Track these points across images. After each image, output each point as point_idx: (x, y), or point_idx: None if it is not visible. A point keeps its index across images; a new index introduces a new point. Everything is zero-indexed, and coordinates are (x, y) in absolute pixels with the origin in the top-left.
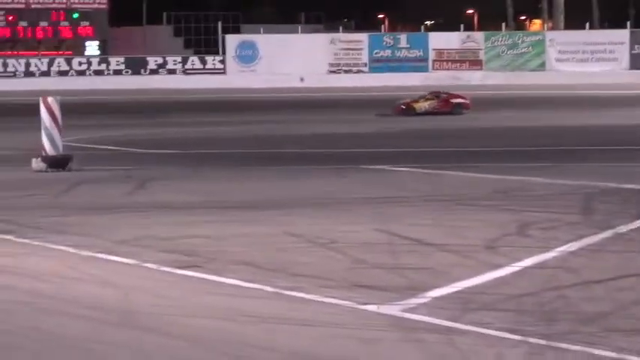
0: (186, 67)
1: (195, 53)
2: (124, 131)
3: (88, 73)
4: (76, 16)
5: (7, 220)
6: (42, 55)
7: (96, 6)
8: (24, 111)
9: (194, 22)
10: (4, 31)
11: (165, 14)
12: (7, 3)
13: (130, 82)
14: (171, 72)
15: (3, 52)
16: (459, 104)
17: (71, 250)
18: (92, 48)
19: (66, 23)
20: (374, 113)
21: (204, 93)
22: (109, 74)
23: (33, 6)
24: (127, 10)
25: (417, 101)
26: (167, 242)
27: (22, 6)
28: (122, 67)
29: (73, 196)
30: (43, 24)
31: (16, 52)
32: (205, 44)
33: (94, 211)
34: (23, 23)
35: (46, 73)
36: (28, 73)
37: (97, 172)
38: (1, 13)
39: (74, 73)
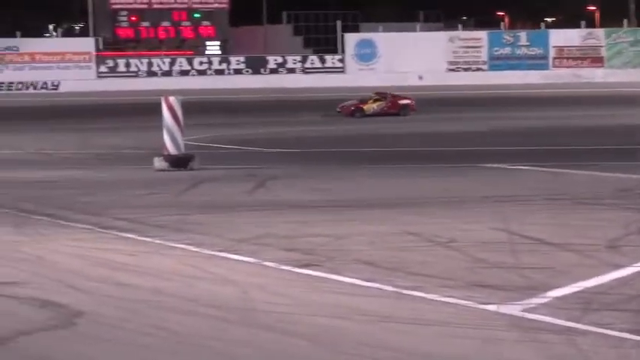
0: (306, 65)
1: (315, 52)
2: (244, 130)
3: (209, 72)
4: (197, 15)
5: (129, 218)
6: (164, 54)
7: (217, 6)
8: (146, 110)
9: (313, 20)
10: (127, 31)
11: (285, 13)
12: (129, 4)
13: (250, 81)
14: (291, 71)
15: (126, 52)
16: (406, 105)
17: (192, 248)
18: (213, 47)
19: (187, 23)
20: (487, 112)
21: (323, 92)
22: (229, 74)
23: (155, 6)
24: (247, 10)
25: (365, 102)
26: (287, 241)
27: (145, 6)
28: (242, 66)
29: (194, 194)
30: (165, 24)
31: (138, 52)
32: (325, 43)
33: (214, 209)
34: (145, 23)
35: (167, 73)
36: (151, 73)
37: (217, 170)
38: (124, 13)
39: (195, 73)
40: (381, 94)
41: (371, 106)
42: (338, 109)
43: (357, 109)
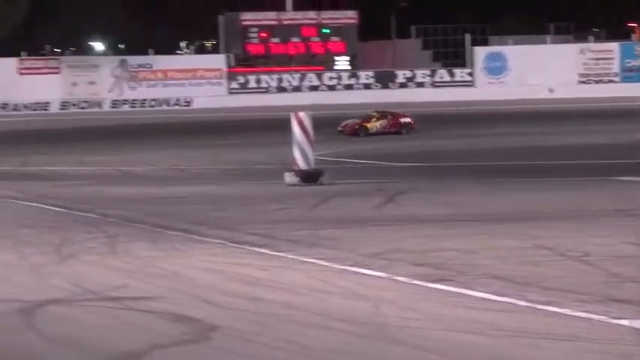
0: (435, 79)
1: (444, 66)
2: (373, 144)
3: (338, 87)
4: (326, 31)
5: (261, 233)
6: (294, 70)
7: (346, 21)
8: (276, 126)
9: (442, 34)
10: (257, 47)
11: (413, 27)
12: (260, 20)
13: (379, 96)
14: (420, 85)
15: (257, 68)
16: (407, 124)
17: (323, 263)
18: (342, 63)
19: (317, 39)
20: (622, 124)
21: (452, 105)
22: (358, 88)
23: (285, 22)
24: (375, 25)
25: (368, 121)
26: (417, 255)
27: (275, 23)
28: (371, 80)
29: (324, 209)
30: (295, 40)
31: (268, 68)
32: (453, 57)
33: (344, 224)
34: (275, 40)
35: (297, 88)
36: (281, 89)
37: (347, 185)
38: (255, 30)
39: (325, 88)
40: (381, 113)
41: (374, 125)
42: (340, 128)
43: (361, 127)
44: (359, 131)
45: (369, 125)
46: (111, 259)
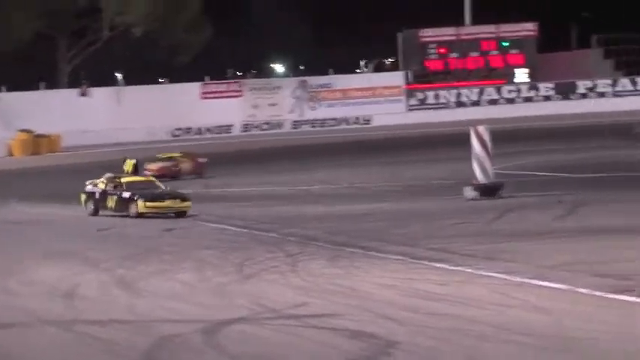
0: (616, 89)
1: (626, 75)
2: (552, 157)
3: (517, 100)
4: (505, 44)
5: (440, 248)
6: (472, 84)
7: (525, 33)
8: (455, 141)
9: (624, 43)
10: (436, 63)
11: (595, 37)
12: (438, 36)
13: (560, 107)
14: (601, 95)
15: (436, 84)
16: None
17: (502, 276)
18: (521, 75)
19: (496, 52)
20: None
21: (636, 115)
22: (538, 100)
23: (463, 37)
24: (555, 36)
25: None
26: (599, 266)
27: (453, 38)
28: (551, 92)
29: (503, 222)
30: (474, 54)
31: (447, 84)
32: (637, 65)
33: (524, 237)
34: (454, 55)
35: (476, 103)
36: (459, 104)
37: (527, 198)
38: (433, 46)
39: (504, 102)
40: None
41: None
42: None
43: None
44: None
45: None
46: (291, 278)
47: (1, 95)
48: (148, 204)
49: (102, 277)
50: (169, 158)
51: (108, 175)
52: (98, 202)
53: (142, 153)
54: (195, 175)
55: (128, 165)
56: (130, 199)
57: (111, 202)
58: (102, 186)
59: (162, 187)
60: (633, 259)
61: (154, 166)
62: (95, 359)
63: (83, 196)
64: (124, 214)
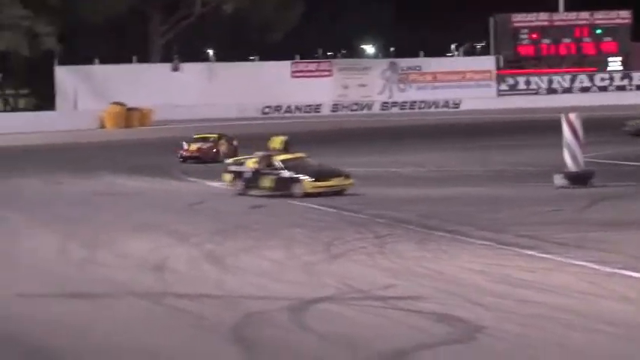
0: None
1: None
2: None
3: (610, 88)
4: (599, 32)
5: (530, 235)
6: (564, 71)
7: (619, 21)
8: (546, 128)
9: None
10: (527, 49)
11: None
12: (531, 21)
13: None
14: None
15: (527, 70)
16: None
17: (592, 265)
18: (615, 63)
19: (588, 39)
20: None
21: None
22: (631, 89)
23: (556, 23)
24: None
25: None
26: None
27: (546, 24)
28: None
29: (594, 211)
30: (566, 41)
31: (539, 70)
32: None
33: (615, 226)
34: (546, 41)
35: (568, 90)
36: (551, 90)
37: (618, 187)
38: (525, 31)
39: (596, 89)
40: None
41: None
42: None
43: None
44: None
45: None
46: (379, 259)
47: (94, 68)
48: (316, 183)
49: (191, 252)
50: (206, 139)
51: (259, 153)
52: (249, 181)
53: (233, 129)
54: (231, 157)
55: (276, 142)
56: (293, 179)
57: (267, 182)
58: (251, 165)
59: (315, 163)
60: None
61: (193, 146)
62: (183, 333)
63: (228, 176)
64: (284, 193)
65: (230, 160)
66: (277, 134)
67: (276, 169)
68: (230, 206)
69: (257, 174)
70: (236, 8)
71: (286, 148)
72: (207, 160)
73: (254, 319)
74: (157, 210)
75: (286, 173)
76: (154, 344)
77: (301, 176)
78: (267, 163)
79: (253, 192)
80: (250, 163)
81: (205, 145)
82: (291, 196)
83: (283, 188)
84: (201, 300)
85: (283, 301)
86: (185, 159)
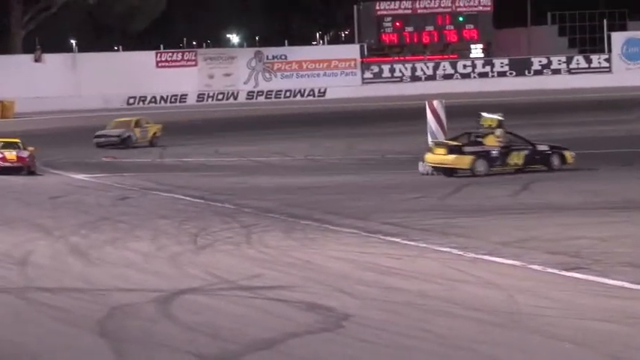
0: (571, 66)
1: (580, 52)
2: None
3: (472, 76)
4: (461, 19)
5: (395, 222)
6: (428, 59)
7: (480, 8)
8: (410, 115)
9: (579, 20)
10: (391, 37)
11: (549, 14)
12: (394, 9)
13: (514, 84)
14: (556, 72)
15: (391, 58)
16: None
17: (456, 251)
18: (477, 50)
19: (451, 27)
20: None
21: (589, 92)
22: (493, 76)
23: (419, 11)
24: (510, 12)
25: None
26: (552, 244)
27: (409, 12)
28: (506, 68)
29: (458, 198)
30: (429, 28)
31: (402, 58)
32: (590, 43)
33: (478, 213)
34: (410, 28)
35: (431, 77)
36: (415, 78)
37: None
38: (389, 19)
39: (459, 77)
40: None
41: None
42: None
43: None
44: None
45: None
46: (246, 249)
47: None
48: (572, 154)
49: (55, 245)
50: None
51: (499, 131)
52: (494, 160)
53: (98, 121)
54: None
55: (488, 120)
56: (554, 151)
57: (516, 158)
58: (492, 142)
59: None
60: (587, 236)
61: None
62: (48, 327)
63: (469, 158)
64: (535, 169)
65: (432, 143)
66: (487, 112)
67: (514, 144)
68: (95, 198)
69: (506, 150)
70: None
71: (501, 126)
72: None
73: (120, 311)
74: (20, 204)
75: (543, 146)
76: (19, 339)
77: (559, 150)
78: (468, 140)
79: (498, 169)
80: (489, 141)
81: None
82: (550, 169)
83: (537, 162)
84: (65, 293)
85: (150, 293)
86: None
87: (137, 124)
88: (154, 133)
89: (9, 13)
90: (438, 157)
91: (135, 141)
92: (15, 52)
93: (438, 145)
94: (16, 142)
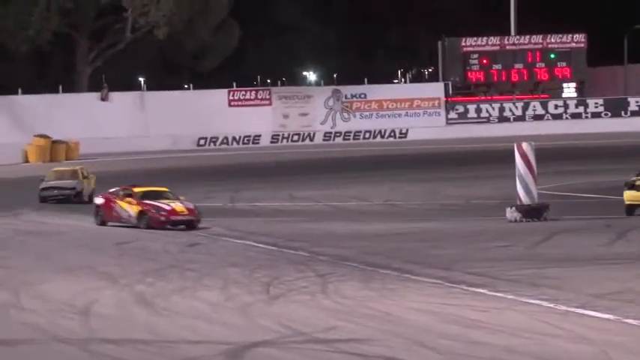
0: None
1: None
2: (601, 178)
3: (564, 116)
4: (552, 56)
5: (480, 272)
6: (516, 98)
7: (574, 45)
8: (497, 158)
9: None
10: (478, 74)
11: None
12: (481, 45)
13: (610, 125)
14: None
15: (477, 97)
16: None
17: (546, 304)
18: (569, 90)
19: (542, 64)
20: None
21: None
22: (586, 117)
23: (508, 48)
24: (606, 49)
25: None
26: None
27: (497, 48)
28: (601, 109)
29: (548, 247)
30: (518, 66)
31: (490, 97)
32: None
33: (570, 262)
34: (497, 66)
35: (520, 118)
36: (502, 118)
37: (573, 221)
38: (476, 56)
39: (550, 117)
40: None
41: None
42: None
43: None
44: None
45: None
46: (321, 299)
47: (16, 98)
48: None
49: (120, 294)
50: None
51: None
52: None
53: (166, 162)
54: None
55: None
56: None
57: None
58: None
59: None
60: None
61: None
62: None
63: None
64: None
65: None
66: None
67: None
68: (162, 245)
69: None
70: (170, 32)
71: None
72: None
73: None
74: (83, 250)
75: None
76: None
77: None
78: None
79: None
80: None
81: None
82: None
83: None
84: (130, 345)
85: (219, 346)
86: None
87: (80, 174)
88: (94, 187)
89: (74, 50)
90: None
91: (83, 194)
92: (81, 90)
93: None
94: (164, 192)
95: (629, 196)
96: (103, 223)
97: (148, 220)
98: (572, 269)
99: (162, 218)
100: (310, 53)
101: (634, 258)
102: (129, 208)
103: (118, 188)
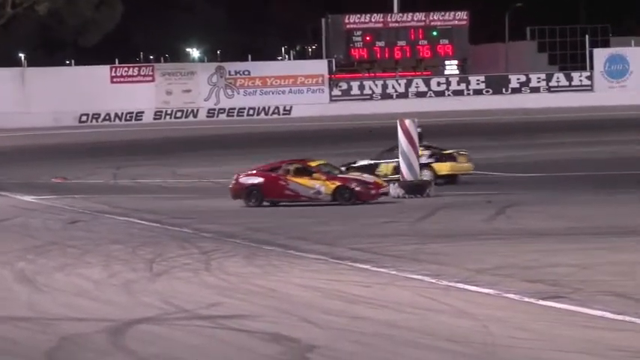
0: (551, 84)
1: (561, 69)
2: (482, 154)
3: (447, 93)
4: (435, 34)
5: (364, 248)
6: (399, 75)
7: (456, 22)
8: (381, 135)
9: (559, 36)
10: (361, 52)
11: (528, 29)
12: (365, 23)
13: (491, 102)
14: (535, 90)
15: (360, 74)
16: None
17: (429, 279)
18: (451, 67)
19: (424, 42)
20: None
21: (569, 112)
22: (468, 94)
23: (391, 25)
24: (487, 27)
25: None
26: (529, 271)
27: (380, 25)
28: (482, 86)
29: (431, 223)
30: (401, 44)
31: (373, 74)
32: (571, 59)
33: (452, 238)
34: (380, 43)
35: (403, 95)
36: (385, 95)
37: (455, 197)
38: (359, 33)
39: (432, 94)
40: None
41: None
42: None
43: None
44: None
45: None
46: (205, 276)
47: None
48: None
49: (1, 272)
50: None
51: None
52: None
53: (48, 139)
54: None
55: None
56: None
57: None
58: None
59: None
60: (565, 263)
61: None
62: None
63: None
64: None
65: None
66: None
67: None
68: (42, 221)
69: None
70: (50, 9)
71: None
72: None
73: (70, 342)
74: None
75: None
76: None
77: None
78: None
79: None
80: None
81: None
82: None
83: None
84: (11, 323)
85: (102, 323)
86: None
87: None
88: None
89: None
90: None
91: None
92: None
93: None
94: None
95: None
96: (259, 204)
97: (355, 195)
98: (454, 245)
99: (373, 192)
100: (194, 30)
101: (514, 233)
102: (316, 184)
103: (269, 165)
